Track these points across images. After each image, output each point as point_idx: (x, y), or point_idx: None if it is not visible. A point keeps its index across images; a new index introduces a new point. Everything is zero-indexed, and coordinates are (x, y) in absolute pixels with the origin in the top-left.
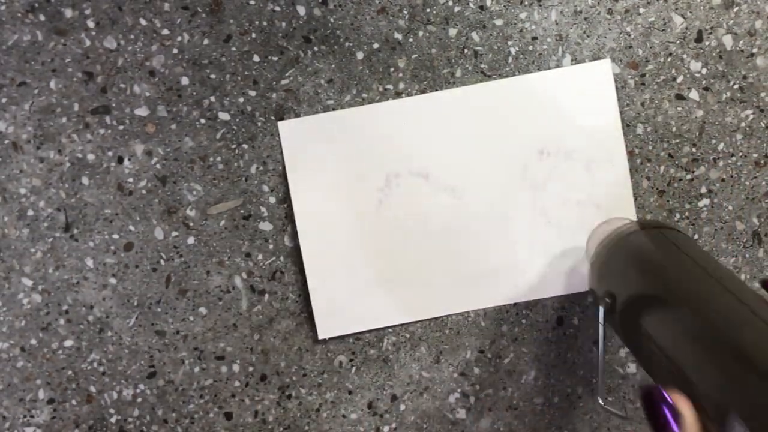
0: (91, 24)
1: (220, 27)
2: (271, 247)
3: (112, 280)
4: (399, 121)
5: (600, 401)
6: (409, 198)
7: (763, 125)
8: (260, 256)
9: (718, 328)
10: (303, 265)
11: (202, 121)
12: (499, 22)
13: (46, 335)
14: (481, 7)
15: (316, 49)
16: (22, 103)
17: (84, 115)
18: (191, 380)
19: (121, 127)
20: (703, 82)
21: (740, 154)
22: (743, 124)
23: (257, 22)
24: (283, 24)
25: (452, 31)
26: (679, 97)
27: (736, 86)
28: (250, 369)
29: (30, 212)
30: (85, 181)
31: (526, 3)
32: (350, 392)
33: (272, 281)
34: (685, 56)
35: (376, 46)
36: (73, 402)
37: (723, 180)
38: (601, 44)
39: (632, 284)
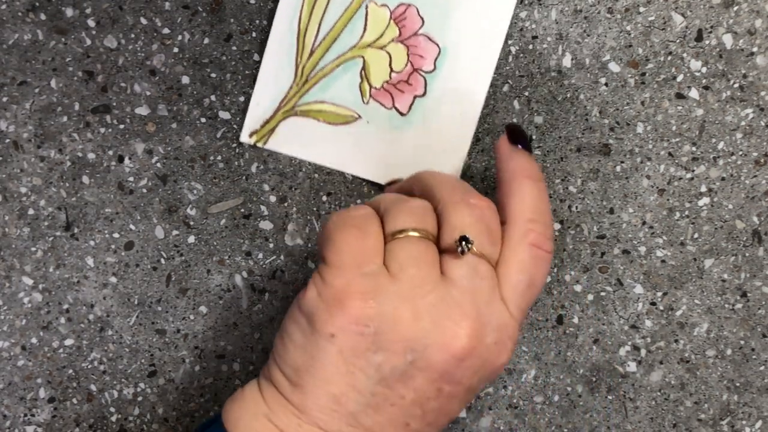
0: (91, 23)
1: (221, 26)
2: (271, 246)
3: (113, 279)
4: None
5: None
6: None
7: (763, 124)
8: (260, 255)
9: None
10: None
11: (203, 120)
12: None
13: (47, 334)
14: None
15: None
16: (22, 102)
17: (84, 114)
18: (192, 379)
19: (121, 126)
20: (703, 80)
21: (740, 152)
22: (743, 123)
23: (258, 21)
24: None
25: None
26: (679, 96)
27: (736, 85)
28: (251, 368)
29: (30, 211)
30: (85, 180)
31: (526, 2)
32: None
33: (273, 280)
34: (685, 55)
35: None
36: (74, 401)
37: (723, 179)
38: (601, 43)
39: None
